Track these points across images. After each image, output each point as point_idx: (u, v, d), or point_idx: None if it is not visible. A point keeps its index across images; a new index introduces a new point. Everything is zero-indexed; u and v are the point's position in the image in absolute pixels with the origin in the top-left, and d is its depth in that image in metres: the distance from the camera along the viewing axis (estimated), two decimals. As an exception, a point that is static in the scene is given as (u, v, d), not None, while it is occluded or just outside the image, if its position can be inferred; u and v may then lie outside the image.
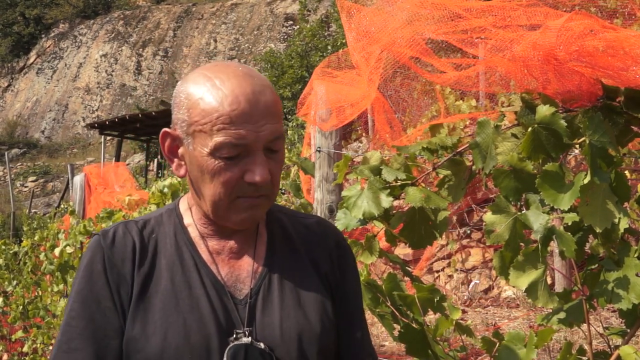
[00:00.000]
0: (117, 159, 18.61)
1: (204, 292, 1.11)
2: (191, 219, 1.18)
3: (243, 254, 1.17)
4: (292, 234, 1.24)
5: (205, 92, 1.07)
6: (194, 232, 1.17)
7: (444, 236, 5.57)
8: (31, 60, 34.30)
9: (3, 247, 7.19)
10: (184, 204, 1.21)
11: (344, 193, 1.45)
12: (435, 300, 1.44)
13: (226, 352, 1.07)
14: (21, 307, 5.55)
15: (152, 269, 1.13)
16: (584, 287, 1.27)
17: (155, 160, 18.71)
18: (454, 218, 5.74)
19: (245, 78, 1.08)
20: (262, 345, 1.09)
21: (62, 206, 13.82)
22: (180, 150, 1.13)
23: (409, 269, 1.60)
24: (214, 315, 1.09)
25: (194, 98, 1.08)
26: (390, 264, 5.59)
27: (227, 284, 1.14)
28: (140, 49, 32.22)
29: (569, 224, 1.22)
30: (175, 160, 1.14)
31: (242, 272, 1.16)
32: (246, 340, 1.08)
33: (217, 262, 1.15)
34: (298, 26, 20.87)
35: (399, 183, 1.42)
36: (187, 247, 1.15)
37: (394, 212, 1.44)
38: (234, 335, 1.09)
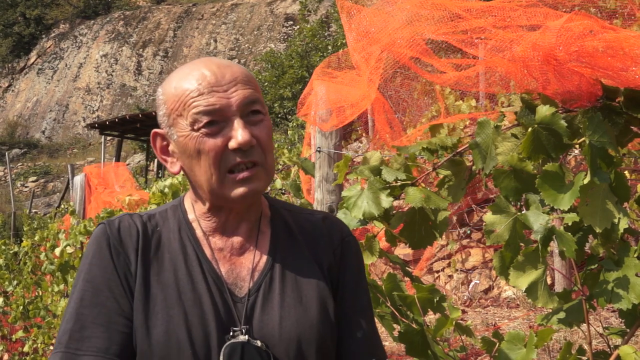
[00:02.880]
0: (117, 159, 18.61)
1: (206, 288, 1.12)
2: (194, 216, 1.19)
3: (245, 251, 1.18)
4: (297, 232, 1.23)
5: (176, 82, 1.13)
6: (197, 229, 1.18)
7: (444, 236, 5.57)
8: (32, 61, 34.31)
9: (3, 247, 7.19)
10: (187, 201, 1.22)
11: (344, 193, 1.45)
12: (435, 300, 1.44)
13: (222, 349, 1.07)
14: (21, 307, 5.55)
15: (155, 260, 1.13)
16: (583, 287, 1.27)
17: (156, 160, 18.71)
18: (454, 218, 5.75)
19: (211, 59, 1.15)
20: (258, 343, 1.09)
21: (62, 206, 13.83)
22: (170, 147, 1.15)
23: (409, 269, 1.60)
24: (215, 312, 1.10)
25: (167, 90, 1.14)
26: (390, 264, 5.60)
27: (227, 281, 1.14)
28: (141, 49, 32.22)
29: (569, 224, 1.22)
30: (168, 159, 1.17)
31: (243, 270, 1.16)
32: (243, 338, 1.09)
33: (218, 259, 1.15)
34: (298, 26, 20.89)
35: (399, 183, 1.42)
36: (191, 242, 1.16)
37: (394, 212, 1.45)
38: (231, 333, 1.09)
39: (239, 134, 1.07)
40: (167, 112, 1.13)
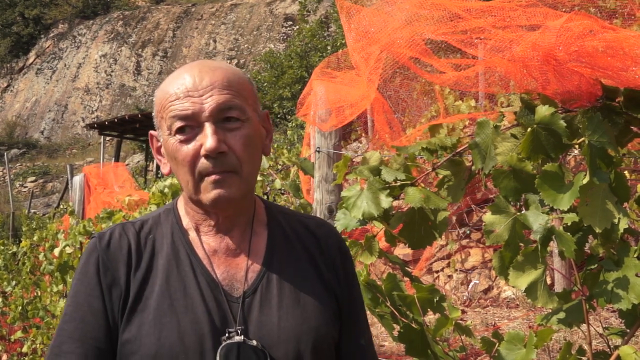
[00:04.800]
0: (117, 159, 18.60)
1: (198, 292, 1.11)
2: (188, 218, 1.19)
3: (240, 252, 1.18)
4: (293, 236, 1.23)
5: (164, 84, 1.15)
6: (190, 231, 1.18)
7: (443, 236, 5.57)
8: (30, 61, 34.29)
9: (2, 247, 7.18)
10: (181, 203, 1.22)
11: (343, 193, 1.45)
12: (435, 300, 1.44)
13: (219, 351, 1.07)
14: (20, 307, 5.54)
15: (149, 271, 1.13)
16: (583, 287, 1.27)
17: (154, 160, 18.70)
18: (454, 218, 5.75)
19: (203, 63, 1.15)
20: (254, 343, 1.09)
21: (61, 206, 13.81)
22: (162, 149, 1.17)
23: (409, 269, 1.60)
24: (208, 315, 1.09)
25: (157, 93, 1.16)
26: (390, 264, 5.60)
27: (222, 282, 1.14)
28: (140, 50, 32.22)
29: (569, 224, 1.22)
30: (162, 159, 1.18)
31: (238, 271, 1.16)
32: (238, 338, 1.08)
33: (212, 261, 1.15)
34: (297, 26, 20.90)
35: (399, 183, 1.42)
36: (184, 246, 1.16)
37: (393, 212, 1.44)
38: (227, 334, 1.09)
39: (207, 140, 1.07)
40: (155, 114, 1.16)
